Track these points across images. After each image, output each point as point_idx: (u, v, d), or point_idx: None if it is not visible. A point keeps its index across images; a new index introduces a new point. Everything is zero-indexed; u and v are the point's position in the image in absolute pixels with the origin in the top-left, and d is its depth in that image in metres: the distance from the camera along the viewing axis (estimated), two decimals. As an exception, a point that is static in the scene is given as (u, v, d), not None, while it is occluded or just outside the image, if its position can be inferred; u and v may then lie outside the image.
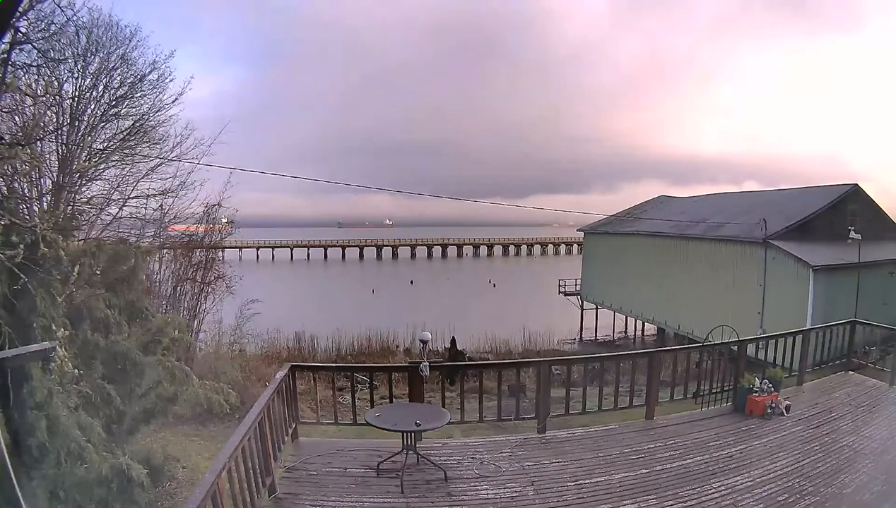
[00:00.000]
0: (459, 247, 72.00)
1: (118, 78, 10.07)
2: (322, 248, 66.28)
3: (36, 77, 8.09)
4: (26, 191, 8.15)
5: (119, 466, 4.66)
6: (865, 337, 8.65)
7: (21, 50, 6.39)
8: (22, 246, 4.57)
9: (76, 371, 4.81)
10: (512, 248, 73.54)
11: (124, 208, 10.30)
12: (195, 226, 12.07)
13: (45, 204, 8.57)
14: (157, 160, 10.56)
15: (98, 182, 9.93)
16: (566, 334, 27.07)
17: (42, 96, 8.31)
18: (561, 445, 5.86)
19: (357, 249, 67.79)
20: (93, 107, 9.70)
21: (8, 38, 5.16)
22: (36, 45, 6.76)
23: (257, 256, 58.72)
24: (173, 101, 10.71)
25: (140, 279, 6.40)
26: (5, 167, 6.22)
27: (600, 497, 4.79)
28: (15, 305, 4.61)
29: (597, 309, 29.82)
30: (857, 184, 21.43)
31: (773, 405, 6.55)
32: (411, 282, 47.73)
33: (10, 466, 2.29)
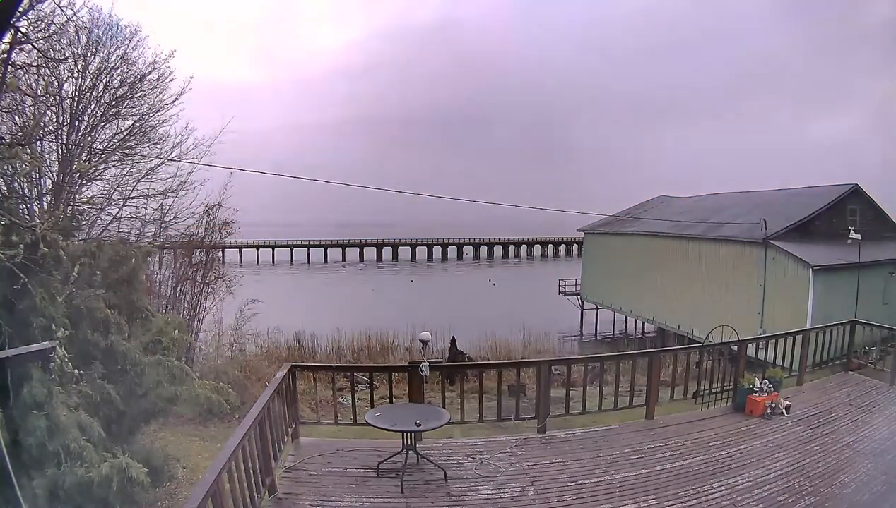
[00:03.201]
0: (459, 247, 71.99)
1: (118, 78, 10.08)
2: (322, 248, 66.25)
3: (36, 77, 8.09)
4: (26, 191, 8.15)
5: (119, 466, 4.65)
6: (865, 337, 8.65)
7: (21, 50, 6.40)
8: (22, 246, 4.57)
9: (76, 371, 4.80)
10: (512, 248, 73.52)
11: (124, 208, 10.31)
12: (195, 226, 12.05)
13: (45, 204, 8.57)
14: (157, 160, 10.56)
15: (98, 182, 9.95)
16: (566, 334, 27.05)
17: (42, 96, 8.31)
18: (561, 445, 5.87)
19: (357, 249, 67.78)
20: (93, 107, 9.70)
21: (8, 37, 5.17)
22: (36, 45, 6.77)
23: (257, 258, 58.67)
24: (173, 101, 10.72)
25: (140, 279, 6.39)
26: (5, 167, 6.22)
27: (600, 497, 4.79)
28: (15, 305, 4.61)
29: (597, 309, 29.80)
30: (857, 185, 21.43)
31: (773, 405, 6.55)
32: (411, 281, 47.75)
33: (10, 466, 2.29)
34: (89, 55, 9.61)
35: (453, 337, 18.75)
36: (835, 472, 5.18)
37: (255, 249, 57.82)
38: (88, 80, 9.63)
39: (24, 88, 7.40)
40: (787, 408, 6.56)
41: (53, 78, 8.70)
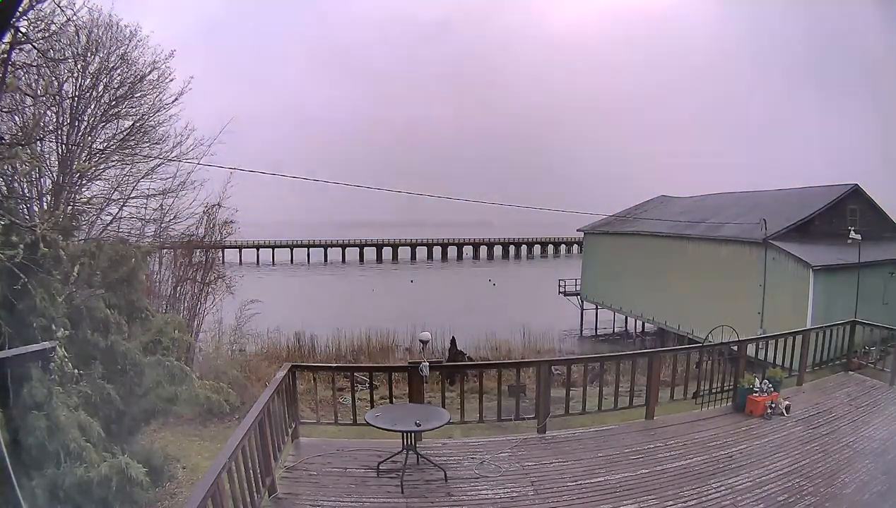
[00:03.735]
0: (459, 247, 71.99)
1: (118, 78, 10.11)
2: (322, 248, 66.26)
3: (36, 77, 8.11)
4: (26, 191, 8.17)
5: (119, 466, 4.65)
6: (865, 338, 8.64)
7: (21, 50, 6.40)
8: (22, 246, 4.58)
9: (76, 371, 4.80)
10: (512, 248, 73.51)
11: (124, 208, 10.35)
12: (195, 226, 12.06)
13: (45, 204, 8.59)
14: (157, 160, 10.59)
15: (98, 182, 9.98)
16: (566, 334, 27.05)
17: (42, 96, 8.32)
18: (561, 445, 5.86)
19: (357, 249, 67.79)
20: (93, 107, 9.73)
21: (8, 37, 5.16)
22: (36, 45, 6.76)
23: (257, 258, 58.65)
24: (173, 101, 10.74)
25: (140, 279, 6.39)
26: (5, 167, 6.22)
27: (600, 497, 4.79)
28: (15, 305, 4.61)
29: (597, 309, 29.79)
30: (857, 185, 21.43)
31: (773, 405, 6.55)
32: (411, 281, 47.71)
33: (10, 466, 2.29)
34: (89, 55, 9.64)
35: (453, 337, 18.75)
36: (835, 472, 5.18)
37: (255, 249, 57.76)
38: (88, 80, 9.67)
39: (24, 88, 7.41)
40: (787, 408, 6.56)
41: (53, 78, 8.72)
